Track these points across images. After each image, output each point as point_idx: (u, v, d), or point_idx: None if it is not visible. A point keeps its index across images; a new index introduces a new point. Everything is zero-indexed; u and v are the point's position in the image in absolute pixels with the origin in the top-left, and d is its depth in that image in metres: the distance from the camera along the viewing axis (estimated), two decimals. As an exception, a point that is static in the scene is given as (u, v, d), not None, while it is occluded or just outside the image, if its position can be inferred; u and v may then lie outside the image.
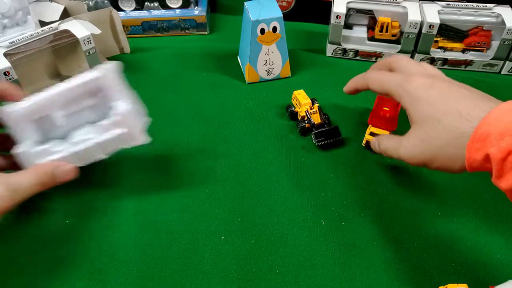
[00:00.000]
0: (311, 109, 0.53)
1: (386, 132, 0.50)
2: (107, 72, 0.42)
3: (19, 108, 0.40)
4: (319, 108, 0.54)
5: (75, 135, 0.42)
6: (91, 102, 0.43)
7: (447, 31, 0.64)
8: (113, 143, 0.43)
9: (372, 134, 0.51)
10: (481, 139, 0.34)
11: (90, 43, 0.58)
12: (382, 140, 0.45)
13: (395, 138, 0.43)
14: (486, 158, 0.34)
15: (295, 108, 0.56)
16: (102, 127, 0.42)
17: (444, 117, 0.38)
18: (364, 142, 0.52)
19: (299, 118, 0.55)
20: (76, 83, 0.41)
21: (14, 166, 0.42)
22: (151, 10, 0.71)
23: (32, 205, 0.46)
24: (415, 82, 0.41)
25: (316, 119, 0.53)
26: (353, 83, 0.49)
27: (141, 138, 0.43)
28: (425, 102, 0.39)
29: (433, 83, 0.40)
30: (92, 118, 0.44)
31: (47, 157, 0.41)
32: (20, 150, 0.40)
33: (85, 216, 0.45)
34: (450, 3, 0.63)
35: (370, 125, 0.51)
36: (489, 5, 0.62)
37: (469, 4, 0.63)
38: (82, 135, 0.42)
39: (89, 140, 0.42)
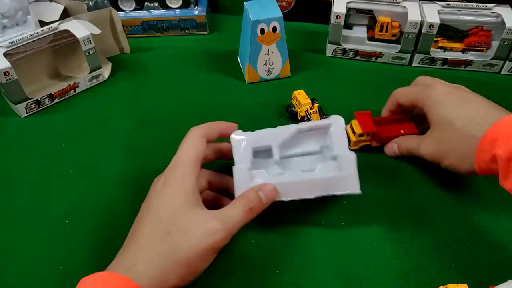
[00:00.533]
0: (311, 109, 0.53)
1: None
2: (338, 122, 0.44)
3: (244, 137, 0.42)
4: (319, 108, 0.54)
5: (292, 166, 0.44)
6: (313, 146, 0.45)
7: (447, 31, 0.64)
8: (328, 186, 0.42)
9: (360, 135, 0.50)
10: (490, 141, 0.37)
11: (90, 43, 0.58)
12: (404, 142, 0.49)
13: (416, 138, 0.47)
14: (493, 159, 0.37)
15: (295, 108, 0.56)
16: (324, 167, 0.42)
17: (458, 120, 0.42)
18: (352, 145, 0.51)
19: (299, 118, 0.55)
20: (306, 126, 0.44)
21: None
22: (151, 10, 0.71)
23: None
24: (437, 88, 0.45)
25: (316, 119, 0.53)
26: (385, 110, 0.52)
27: (356, 188, 0.42)
28: (443, 106, 0.43)
29: (453, 90, 0.45)
30: (308, 160, 0.45)
31: (256, 180, 0.41)
32: (237, 166, 0.41)
33: (85, 216, 0.46)
34: (450, 3, 0.63)
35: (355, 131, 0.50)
36: (489, 5, 0.62)
37: (469, 4, 0.63)
38: (298, 168, 0.44)
39: (306, 175, 0.42)
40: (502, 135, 0.37)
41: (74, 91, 0.61)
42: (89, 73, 0.61)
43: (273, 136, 0.43)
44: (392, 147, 0.50)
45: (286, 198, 0.41)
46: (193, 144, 0.40)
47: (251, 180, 0.41)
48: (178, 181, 0.38)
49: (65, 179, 0.49)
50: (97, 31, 0.60)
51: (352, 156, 0.42)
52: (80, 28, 0.58)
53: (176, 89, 0.62)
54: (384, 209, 0.46)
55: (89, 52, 0.59)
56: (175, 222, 0.36)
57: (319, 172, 0.42)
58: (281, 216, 0.45)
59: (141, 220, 0.38)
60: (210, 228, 0.36)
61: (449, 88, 0.45)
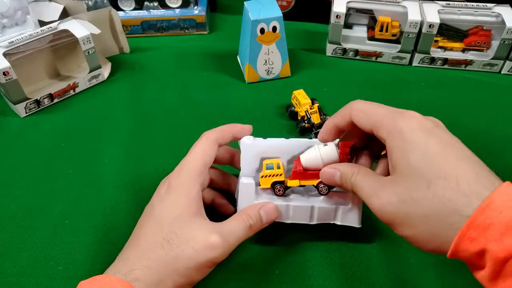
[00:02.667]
0: (311, 109, 0.53)
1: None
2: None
3: (254, 144, 0.41)
4: (319, 108, 0.54)
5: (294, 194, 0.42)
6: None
7: (447, 30, 0.64)
8: (330, 215, 0.41)
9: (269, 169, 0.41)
10: (480, 227, 0.27)
11: (90, 43, 0.58)
12: (352, 176, 0.35)
13: (375, 180, 0.34)
14: (481, 253, 0.27)
15: (295, 108, 0.56)
16: (330, 194, 0.40)
17: (438, 180, 0.30)
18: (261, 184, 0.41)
19: (299, 118, 0.55)
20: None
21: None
22: (150, 10, 0.71)
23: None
24: (412, 119, 0.33)
25: (316, 119, 0.53)
26: (330, 121, 0.38)
27: (357, 222, 0.41)
28: (419, 151, 0.31)
29: (434, 129, 0.32)
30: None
31: (261, 198, 0.40)
32: (244, 181, 0.40)
33: (85, 216, 0.45)
34: (450, 2, 0.63)
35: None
36: (489, 5, 0.62)
37: (469, 3, 0.63)
38: (300, 197, 0.41)
39: (311, 201, 0.41)
40: (497, 221, 0.27)
41: (74, 91, 0.61)
42: (89, 73, 0.61)
43: (284, 148, 0.42)
44: (331, 174, 0.37)
45: (287, 220, 0.41)
46: (202, 150, 0.39)
47: (257, 197, 0.40)
48: (182, 188, 0.38)
49: (64, 179, 0.49)
50: (96, 30, 0.60)
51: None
52: (79, 28, 0.58)
53: (176, 89, 0.62)
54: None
55: (88, 52, 0.59)
56: (176, 231, 0.35)
57: (325, 199, 0.41)
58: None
59: (142, 225, 0.38)
60: (211, 243, 0.35)
61: (429, 123, 0.33)
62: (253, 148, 0.41)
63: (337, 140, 0.40)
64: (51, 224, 0.45)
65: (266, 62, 0.61)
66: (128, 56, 0.68)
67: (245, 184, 0.40)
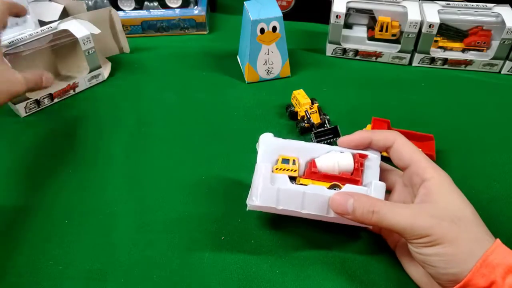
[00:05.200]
0: (310, 108, 0.53)
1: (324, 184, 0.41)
2: (375, 157, 0.42)
3: (274, 141, 0.42)
4: (318, 108, 0.54)
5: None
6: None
7: (447, 30, 0.64)
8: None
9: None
10: (490, 266, 0.33)
11: (90, 42, 0.58)
12: (382, 205, 0.37)
13: (404, 207, 0.37)
14: (489, 286, 0.33)
15: (294, 107, 0.56)
16: (351, 189, 0.40)
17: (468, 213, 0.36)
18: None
19: (299, 118, 0.55)
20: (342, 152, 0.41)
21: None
22: (150, 10, 0.71)
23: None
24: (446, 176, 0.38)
25: (316, 118, 0.53)
26: (367, 135, 0.41)
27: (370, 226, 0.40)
28: (452, 197, 0.37)
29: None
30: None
31: (275, 184, 0.39)
32: (260, 164, 0.40)
33: (85, 216, 0.46)
34: (450, 2, 0.63)
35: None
36: (489, 5, 0.62)
37: (469, 3, 0.63)
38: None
39: (328, 192, 0.39)
40: (503, 263, 0.33)
41: (74, 91, 0.61)
42: (89, 72, 0.61)
43: (302, 150, 0.42)
44: (341, 202, 0.38)
45: (302, 210, 0.39)
46: None
47: (272, 181, 0.39)
48: None
49: (64, 179, 0.49)
50: (96, 30, 0.60)
51: (383, 186, 0.40)
52: (79, 28, 0.58)
53: (176, 88, 0.62)
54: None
55: (88, 52, 0.59)
56: None
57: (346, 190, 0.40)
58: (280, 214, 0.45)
59: None
60: (18, 79, 0.47)
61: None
62: (272, 145, 0.42)
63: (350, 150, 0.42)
64: (51, 224, 0.45)
65: (266, 62, 0.61)
66: (128, 56, 0.68)
67: (261, 166, 0.40)
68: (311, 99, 0.55)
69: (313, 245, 0.43)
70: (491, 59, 0.63)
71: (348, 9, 0.64)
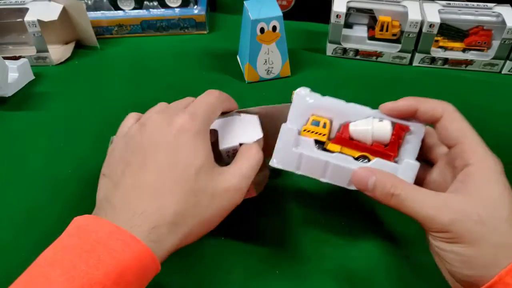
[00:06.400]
0: (311, 108, 0.53)
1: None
2: (419, 130, 0.37)
3: (310, 98, 0.38)
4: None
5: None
6: None
7: (447, 30, 0.64)
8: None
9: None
10: None
11: (35, 27, 0.61)
12: (404, 186, 0.33)
13: (432, 194, 0.33)
14: None
15: (295, 107, 0.55)
16: (380, 164, 0.36)
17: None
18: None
19: (299, 117, 0.55)
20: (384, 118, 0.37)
21: None
22: (150, 9, 0.71)
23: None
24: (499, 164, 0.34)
25: (316, 118, 0.53)
26: (413, 102, 0.36)
27: None
28: (499, 190, 0.32)
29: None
30: None
31: (299, 148, 0.37)
32: (285, 126, 0.38)
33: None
34: (451, 2, 0.63)
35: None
36: (490, 5, 0.62)
37: (469, 3, 0.63)
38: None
39: (354, 164, 0.37)
40: None
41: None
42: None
43: (339, 111, 0.37)
44: (363, 177, 0.35)
45: (322, 179, 0.37)
46: (213, 104, 0.38)
47: (296, 145, 0.37)
48: (201, 135, 0.36)
49: (65, 178, 0.49)
50: (52, 18, 0.62)
51: (415, 167, 0.36)
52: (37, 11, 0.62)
53: (176, 88, 0.62)
54: (385, 207, 0.46)
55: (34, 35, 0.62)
56: (201, 183, 0.34)
57: (372, 165, 0.36)
58: (281, 215, 0.45)
59: (152, 169, 0.34)
60: (234, 187, 0.35)
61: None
62: (306, 103, 0.38)
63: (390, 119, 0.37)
64: (50, 224, 0.45)
65: (266, 61, 0.61)
66: (128, 56, 0.68)
67: (287, 129, 0.38)
68: (311, 99, 0.55)
69: (313, 245, 0.43)
70: (492, 59, 0.63)
71: (349, 8, 0.64)
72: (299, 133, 0.38)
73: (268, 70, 0.62)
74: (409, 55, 0.65)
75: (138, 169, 0.33)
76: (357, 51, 0.66)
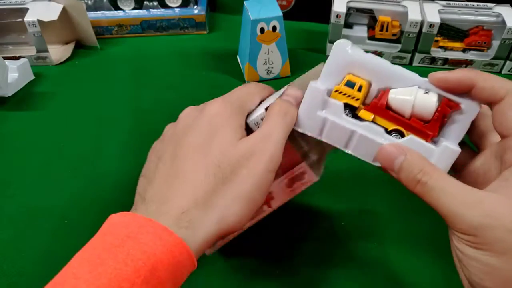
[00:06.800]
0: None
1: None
2: (472, 109, 0.31)
3: (350, 51, 0.33)
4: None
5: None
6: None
7: (447, 30, 0.64)
8: None
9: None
10: None
11: (35, 27, 0.61)
12: (435, 174, 0.29)
13: (467, 190, 0.28)
14: None
15: (295, 107, 0.55)
16: (415, 143, 0.31)
17: None
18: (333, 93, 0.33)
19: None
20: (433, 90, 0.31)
21: None
22: (150, 9, 0.71)
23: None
24: None
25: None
26: (470, 74, 0.30)
27: None
28: None
29: None
30: None
31: (324, 112, 0.33)
32: (313, 85, 0.33)
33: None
34: (451, 2, 0.63)
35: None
36: (490, 5, 0.62)
37: (469, 3, 0.63)
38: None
39: (382, 138, 0.32)
40: None
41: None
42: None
43: (382, 72, 0.32)
44: (391, 155, 0.31)
45: (346, 149, 0.33)
46: (248, 94, 0.36)
47: (322, 107, 0.33)
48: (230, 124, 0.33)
49: (65, 178, 0.49)
50: (52, 18, 0.62)
51: (455, 153, 0.31)
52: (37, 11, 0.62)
53: (175, 88, 0.62)
54: (386, 206, 0.46)
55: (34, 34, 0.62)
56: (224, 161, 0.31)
57: (404, 143, 0.31)
58: (281, 215, 0.45)
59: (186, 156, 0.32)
60: (259, 150, 0.31)
61: None
62: (345, 59, 0.32)
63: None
64: (50, 224, 0.45)
65: (266, 61, 0.61)
66: (128, 56, 0.68)
67: (314, 88, 0.33)
68: (311, 99, 0.55)
69: (313, 245, 0.43)
70: (492, 59, 0.63)
71: (349, 8, 0.64)
72: (330, 93, 0.33)
73: (268, 70, 0.62)
74: (409, 55, 0.65)
75: (170, 160, 0.32)
76: (357, 51, 0.66)
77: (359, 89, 0.32)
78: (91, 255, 0.27)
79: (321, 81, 0.33)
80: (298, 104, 0.34)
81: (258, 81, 0.62)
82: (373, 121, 0.32)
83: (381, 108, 0.32)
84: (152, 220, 0.28)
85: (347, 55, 0.32)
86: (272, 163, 0.31)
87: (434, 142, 0.32)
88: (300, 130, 0.34)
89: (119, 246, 0.27)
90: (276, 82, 0.62)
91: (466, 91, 0.30)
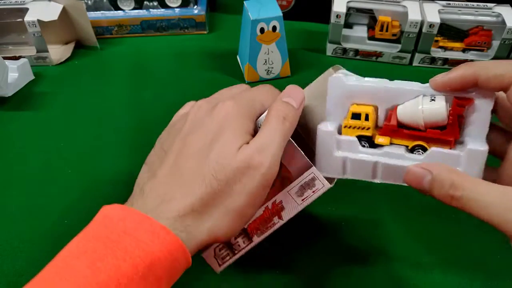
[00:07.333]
0: (311, 108, 0.53)
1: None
2: (485, 100, 0.29)
3: (347, 80, 0.32)
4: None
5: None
6: None
7: (447, 30, 0.64)
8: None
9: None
10: None
11: (35, 27, 0.61)
12: (466, 184, 0.27)
13: (504, 192, 0.26)
14: None
15: (295, 107, 0.55)
16: (439, 155, 0.30)
17: None
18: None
19: (299, 117, 0.54)
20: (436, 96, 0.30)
21: None
22: (150, 9, 0.71)
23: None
24: None
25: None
26: (469, 69, 0.28)
27: None
28: None
29: None
30: None
31: (340, 152, 0.33)
32: (321, 128, 0.33)
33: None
34: (451, 2, 0.63)
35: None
36: (490, 5, 0.62)
37: (469, 3, 0.63)
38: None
39: (407, 158, 0.31)
40: None
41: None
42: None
43: (383, 95, 0.31)
44: (418, 177, 0.29)
45: (375, 180, 0.33)
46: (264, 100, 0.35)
47: (337, 147, 0.32)
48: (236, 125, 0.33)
49: (64, 178, 0.49)
50: (52, 18, 0.62)
51: (482, 154, 0.29)
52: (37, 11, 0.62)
53: (175, 88, 0.62)
54: (386, 209, 0.46)
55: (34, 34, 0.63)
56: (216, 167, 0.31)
57: (427, 159, 0.30)
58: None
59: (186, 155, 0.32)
60: (251, 165, 0.30)
61: None
62: (343, 90, 0.32)
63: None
64: (50, 224, 0.45)
65: (266, 61, 0.61)
66: (128, 56, 0.68)
67: (323, 132, 0.32)
68: (311, 99, 0.55)
69: (312, 245, 0.43)
70: (492, 59, 0.63)
71: (349, 8, 0.64)
72: (340, 130, 0.33)
73: (268, 70, 0.62)
74: (409, 55, 0.65)
75: (175, 156, 0.32)
76: (357, 51, 0.66)
77: (366, 118, 0.31)
78: (88, 247, 0.27)
79: (327, 119, 0.33)
80: (299, 105, 0.33)
81: (258, 81, 0.62)
82: (392, 143, 0.32)
83: (393, 129, 0.31)
84: (150, 218, 0.28)
85: (345, 87, 0.32)
86: (267, 178, 0.30)
87: (461, 142, 0.30)
88: (324, 174, 0.33)
89: (117, 242, 0.27)
90: (276, 82, 0.62)
91: (472, 87, 0.29)
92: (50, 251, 0.42)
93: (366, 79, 0.32)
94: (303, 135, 0.35)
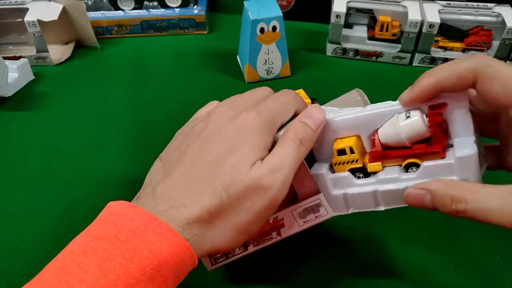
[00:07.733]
0: (311, 108, 0.53)
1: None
2: (459, 102, 0.29)
3: (330, 119, 0.33)
4: (319, 107, 0.53)
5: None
6: None
7: (447, 30, 0.64)
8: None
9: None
10: None
11: (35, 27, 0.61)
12: (466, 193, 0.27)
13: (504, 194, 0.26)
14: None
15: (295, 107, 0.55)
16: (432, 171, 0.30)
17: None
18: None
19: (299, 117, 0.54)
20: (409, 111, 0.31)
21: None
22: (150, 9, 0.71)
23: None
24: None
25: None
26: (430, 80, 0.29)
27: None
28: None
29: None
30: None
31: (336, 189, 0.33)
32: (313, 172, 0.34)
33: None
34: (451, 2, 0.63)
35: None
36: (490, 5, 0.62)
37: (469, 3, 0.63)
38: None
39: (404, 181, 0.31)
40: None
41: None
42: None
43: (361, 125, 0.32)
44: (418, 199, 0.29)
45: (378, 208, 0.33)
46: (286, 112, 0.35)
47: (334, 186, 0.33)
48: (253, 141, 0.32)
49: (64, 178, 0.49)
50: (52, 18, 0.62)
51: (471, 157, 0.28)
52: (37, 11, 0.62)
53: (175, 88, 0.62)
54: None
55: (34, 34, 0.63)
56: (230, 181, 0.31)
57: (420, 177, 0.30)
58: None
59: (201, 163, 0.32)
60: (261, 186, 0.30)
61: None
62: (328, 125, 0.33)
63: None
64: (50, 224, 0.45)
65: (266, 61, 0.61)
66: (128, 56, 0.68)
67: (315, 175, 0.33)
68: (311, 99, 0.55)
69: (312, 245, 0.43)
70: (492, 59, 0.63)
71: (349, 8, 0.64)
72: (332, 168, 0.34)
73: (268, 70, 0.62)
74: (409, 55, 0.65)
75: (191, 161, 0.32)
76: (357, 51, 0.66)
77: (352, 151, 0.32)
78: (96, 246, 0.27)
79: (318, 159, 0.34)
80: (318, 127, 0.33)
81: (258, 81, 0.62)
82: (385, 166, 0.32)
83: (380, 153, 0.32)
84: (158, 219, 0.28)
85: (324, 134, 0.33)
86: (275, 200, 0.30)
87: (451, 145, 0.30)
88: (333, 214, 0.34)
89: (126, 242, 0.27)
90: (276, 82, 0.62)
91: (440, 93, 0.29)
92: (50, 251, 0.42)
93: (341, 111, 0.33)
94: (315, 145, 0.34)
